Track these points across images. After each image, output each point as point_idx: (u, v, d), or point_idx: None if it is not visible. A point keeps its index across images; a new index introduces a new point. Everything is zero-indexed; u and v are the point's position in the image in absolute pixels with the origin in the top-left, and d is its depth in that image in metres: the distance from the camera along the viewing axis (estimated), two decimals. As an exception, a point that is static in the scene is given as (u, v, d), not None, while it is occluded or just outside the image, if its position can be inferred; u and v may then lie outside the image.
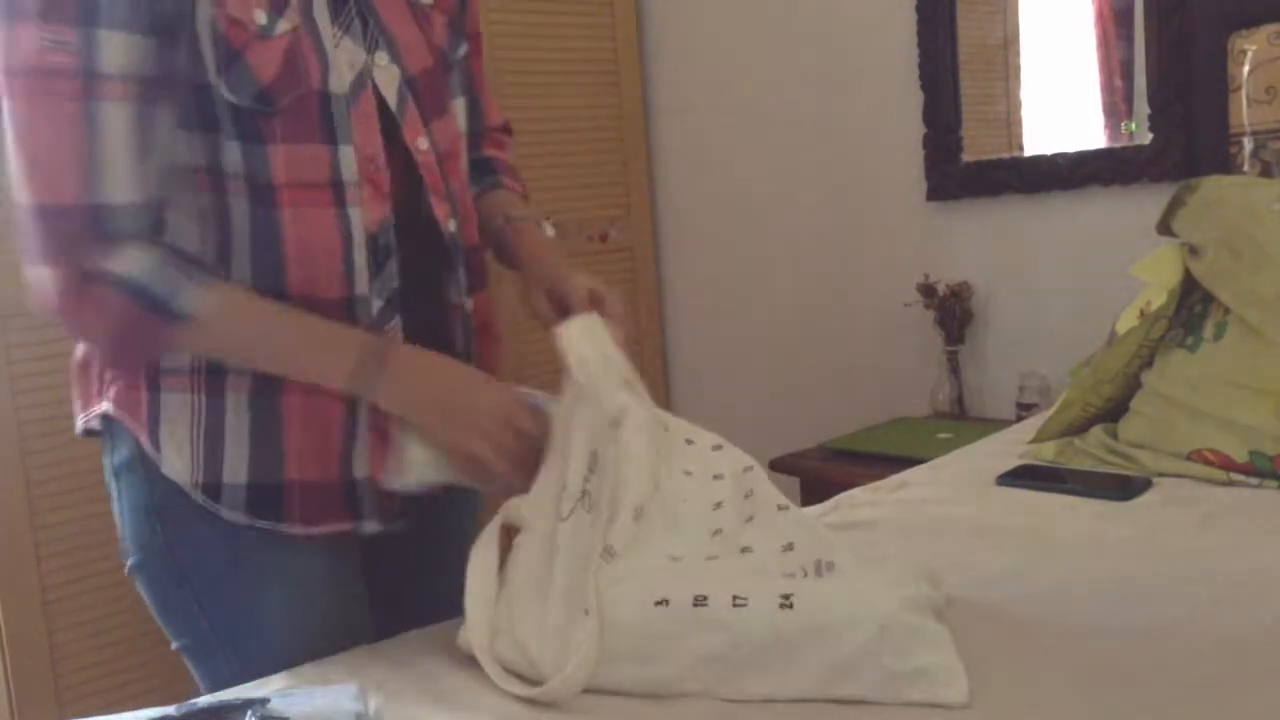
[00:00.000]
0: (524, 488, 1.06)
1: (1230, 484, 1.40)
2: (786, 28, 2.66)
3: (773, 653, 0.92)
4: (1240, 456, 1.40)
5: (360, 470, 1.11)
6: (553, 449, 1.06)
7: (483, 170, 1.34)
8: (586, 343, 1.09)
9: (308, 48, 1.04)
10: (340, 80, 1.06)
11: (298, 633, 1.11)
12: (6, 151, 1.00)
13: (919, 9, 2.37)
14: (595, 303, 1.15)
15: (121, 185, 0.99)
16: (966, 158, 2.36)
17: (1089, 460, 1.53)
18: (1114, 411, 1.59)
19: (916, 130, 2.41)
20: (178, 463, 1.09)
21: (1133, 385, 1.57)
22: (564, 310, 1.16)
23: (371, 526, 1.14)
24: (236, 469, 1.09)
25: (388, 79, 1.11)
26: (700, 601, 0.94)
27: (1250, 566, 1.13)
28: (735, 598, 0.94)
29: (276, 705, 0.89)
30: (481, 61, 1.33)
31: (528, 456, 1.06)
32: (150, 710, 0.91)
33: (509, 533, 1.06)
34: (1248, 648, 0.95)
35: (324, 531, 1.12)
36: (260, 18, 1.01)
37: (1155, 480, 1.43)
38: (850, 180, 2.59)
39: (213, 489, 1.09)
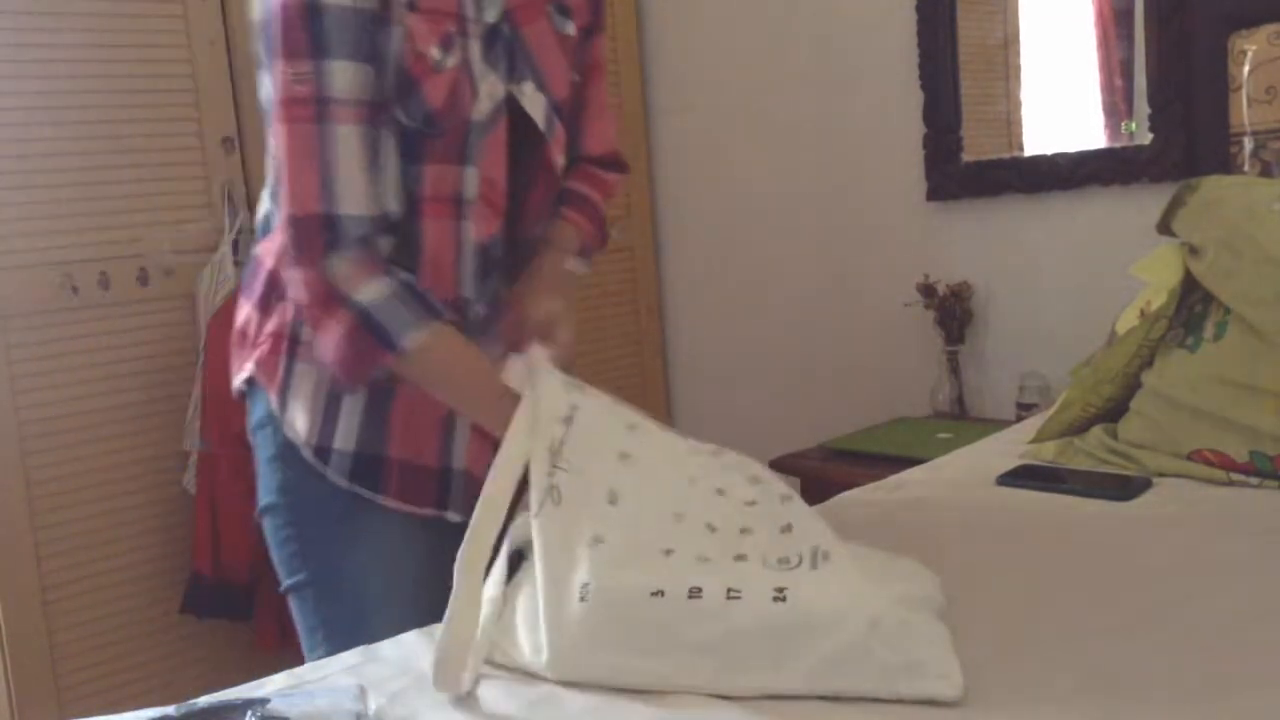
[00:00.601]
0: None
1: (1230, 484, 1.40)
2: (786, 28, 2.66)
3: (765, 646, 0.92)
4: (1240, 456, 1.40)
5: (458, 462, 1.26)
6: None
7: (559, 200, 1.41)
8: (524, 375, 1.16)
9: (464, 81, 1.18)
10: (480, 110, 1.20)
11: (389, 597, 1.22)
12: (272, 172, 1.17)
13: (919, 9, 2.37)
14: (546, 327, 1.25)
15: (353, 197, 1.12)
16: (966, 158, 2.36)
17: (1089, 460, 1.53)
18: (1114, 411, 1.59)
19: (916, 130, 2.41)
20: (299, 423, 1.24)
21: (1133, 385, 1.57)
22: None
23: (454, 516, 1.25)
24: (347, 437, 1.23)
25: (535, 104, 1.24)
26: (695, 593, 0.95)
27: (1250, 566, 1.13)
28: (729, 590, 0.94)
29: (276, 705, 0.90)
30: (602, 89, 1.43)
31: None
32: (150, 710, 0.91)
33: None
34: (1248, 647, 0.95)
35: (414, 511, 1.25)
36: (435, 53, 1.15)
37: (1155, 480, 1.43)
38: (850, 180, 2.59)
39: (324, 452, 1.23)
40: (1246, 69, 1.84)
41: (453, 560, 1.15)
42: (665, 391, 3.00)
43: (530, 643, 0.99)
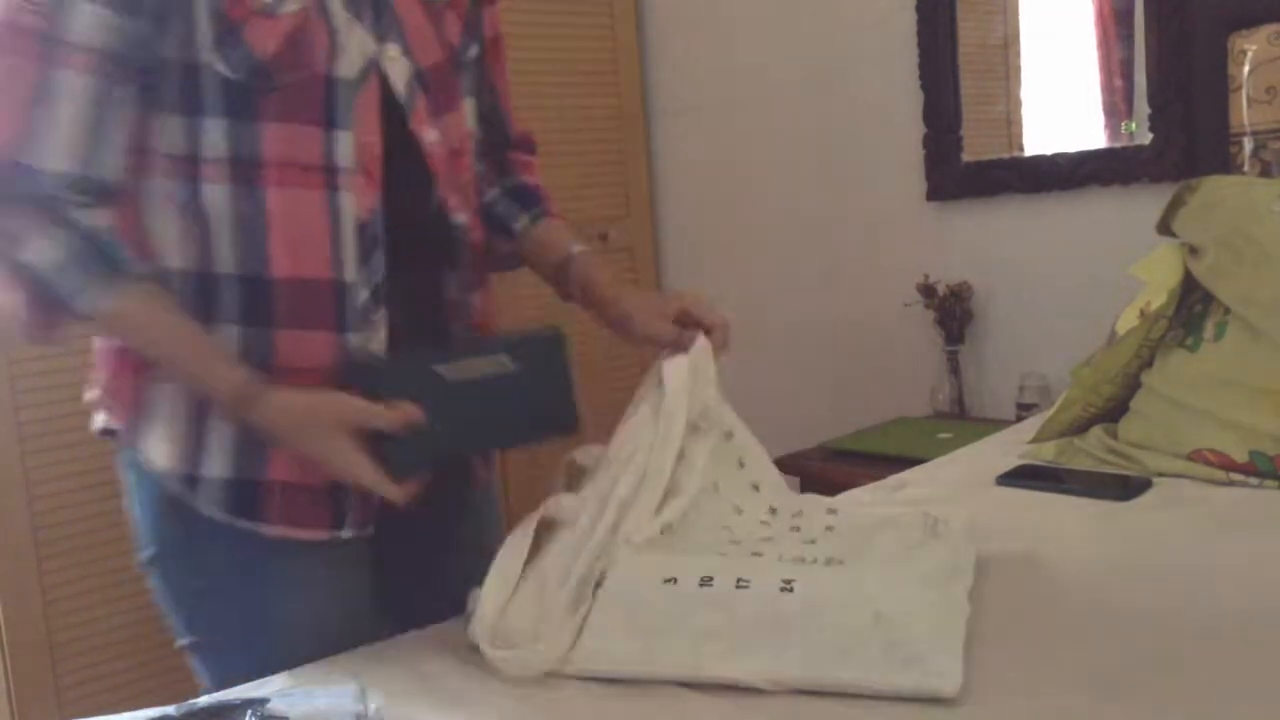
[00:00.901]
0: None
1: (1230, 484, 1.40)
2: (786, 28, 2.66)
3: (768, 633, 0.93)
4: (1240, 456, 1.40)
5: None
6: (609, 461, 1.09)
7: (525, 197, 1.34)
8: (688, 378, 1.13)
9: (317, 30, 1.04)
10: (349, 66, 1.07)
11: (303, 638, 1.09)
12: None
13: (919, 9, 2.37)
14: (720, 328, 1.20)
15: (54, 152, 0.99)
16: (966, 158, 2.36)
17: (1089, 460, 1.53)
18: (1114, 411, 1.59)
19: (916, 130, 2.41)
20: (158, 453, 1.09)
21: (1133, 385, 1.57)
22: (690, 325, 1.19)
23: (348, 533, 1.13)
24: (219, 463, 1.08)
25: (399, 70, 1.12)
26: (706, 582, 0.97)
27: (1250, 566, 1.13)
28: (739, 580, 0.96)
29: (276, 705, 0.89)
30: (504, 66, 1.33)
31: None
32: (150, 710, 0.91)
33: (546, 525, 1.08)
34: (1248, 647, 0.95)
35: (302, 536, 1.11)
36: None
37: (1155, 480, 1.43)
38: (850, 180, 2.59)
39: (192, 481, 1.08)
40: (1246, 69, 1.84)
41: (366, 584, 1.14)
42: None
43: (530, 629, 0.99)
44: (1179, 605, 1.05)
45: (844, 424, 2.45)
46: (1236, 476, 1.40)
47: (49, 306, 1.01)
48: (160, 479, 1.10)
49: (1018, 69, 2.33)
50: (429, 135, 1.14)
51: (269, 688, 1.01)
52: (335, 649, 1.08)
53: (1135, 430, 1.52)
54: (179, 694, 0.99)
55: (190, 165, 1.04)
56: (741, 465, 1.15)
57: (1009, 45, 2.34)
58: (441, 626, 1.11)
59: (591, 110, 2.89)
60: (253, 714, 0.88)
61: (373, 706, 0.93)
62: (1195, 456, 1.44)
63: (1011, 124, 2.37)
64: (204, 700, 0.94)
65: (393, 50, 1.11)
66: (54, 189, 0.99)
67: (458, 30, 1.20)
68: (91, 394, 1.15)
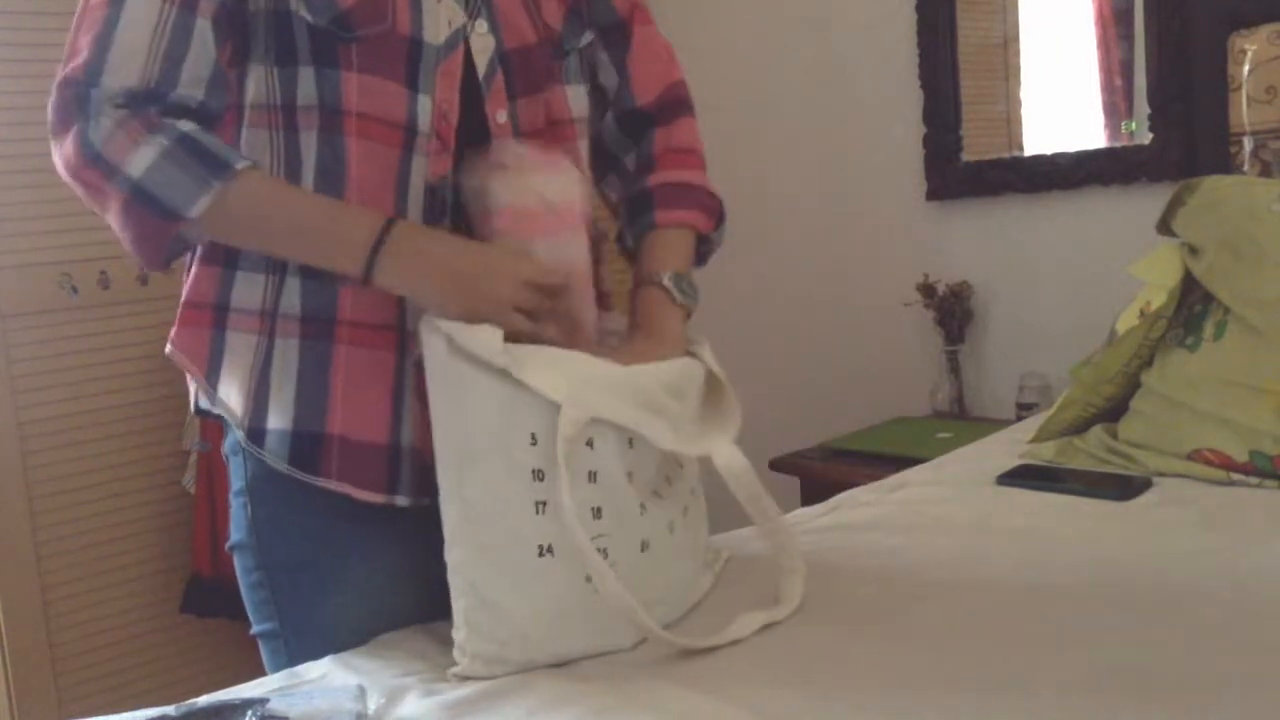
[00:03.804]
0: (564, 340, 1.07)
1: (1230, 484, 1.40)
2: (786, 28, 2.66)
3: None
4: (1240, 456, 1.40)
5: (406, 438, 1.10)
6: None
7: (637, 206, 1.31)
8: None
9: None
10: (435, 32, 1.09)
11: (357, 636, 1.12)
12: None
13: (919, 9, 2.37)
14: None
15: (128, 69, 1.01)
16: (966, 157, 2.36)
17: (1089, 460, 1.53)
18: (1114, 411, 1.59)
19: (916, 130, 2.41)
20: (233, 403, 1.11)
21: (1133, 385, 1.57)
22: None
23: (403, 501, 1.12)
24: (282, 412, 1.09)
25: (482, 47, 1.14)
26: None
27: (1250, 566, 1.13)
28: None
29: (276, 705, 0.90)
30: (637, 33, 1.34)
31: (558, 309, 1.08)
32: (149, 710, 0.91)
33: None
34: (1248, 647, 0.95)
35: (358, 496, 1.10)
36: None
37: (1155, 480, 1.43)
38: (850, 180, 2.59)
39: (258, 434, 1.10)
40: (1246, 69, 1.84)
41: (421, 549, 1.11)
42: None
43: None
44: (1179, 605, 1.05)
45: (844, 424, 2.45)
46: (1237, 476, 1.40)
47: (154, 219, 1.02)
48: (263, 469, 1.11)
49: (1017, 69, 2.33)
50: (499, 116, 1.15)
51: (268, 687, 1.01)
52: (396, 624, 1.12)
53: (1135, 430, 1.52)
54: (179, 694, 1.00)
55: (284, 114, 1.08)
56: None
57: (1009, 45, 2.34)
58: (441, 625, 1.10)
59: (591, 110, 2.89)
60: (252, 714, 0.88)
61: (373, 706, 0.93)
62: (1195, 456, 1.44)
63: (1011, 124, 2.37)
64: (204, 700, 0.94)
65: (481, 26, 1.13)
66: (133, 102, 1.01)
67: (560, 15, 1.21)
68: (169, 353, 1.16)
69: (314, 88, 1.06)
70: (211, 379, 1.12)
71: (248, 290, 1.10)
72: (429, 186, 1.10)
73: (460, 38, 1.11)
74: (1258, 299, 1.44)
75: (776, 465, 2.23)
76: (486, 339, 1.01)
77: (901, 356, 2.51)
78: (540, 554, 1.00)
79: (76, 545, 2.25)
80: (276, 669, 1.12)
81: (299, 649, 1.12)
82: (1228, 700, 0.86)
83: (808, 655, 1.01)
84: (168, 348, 1.15)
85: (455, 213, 1.12)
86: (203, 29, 1.04)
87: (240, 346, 1.11)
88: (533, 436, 1.01)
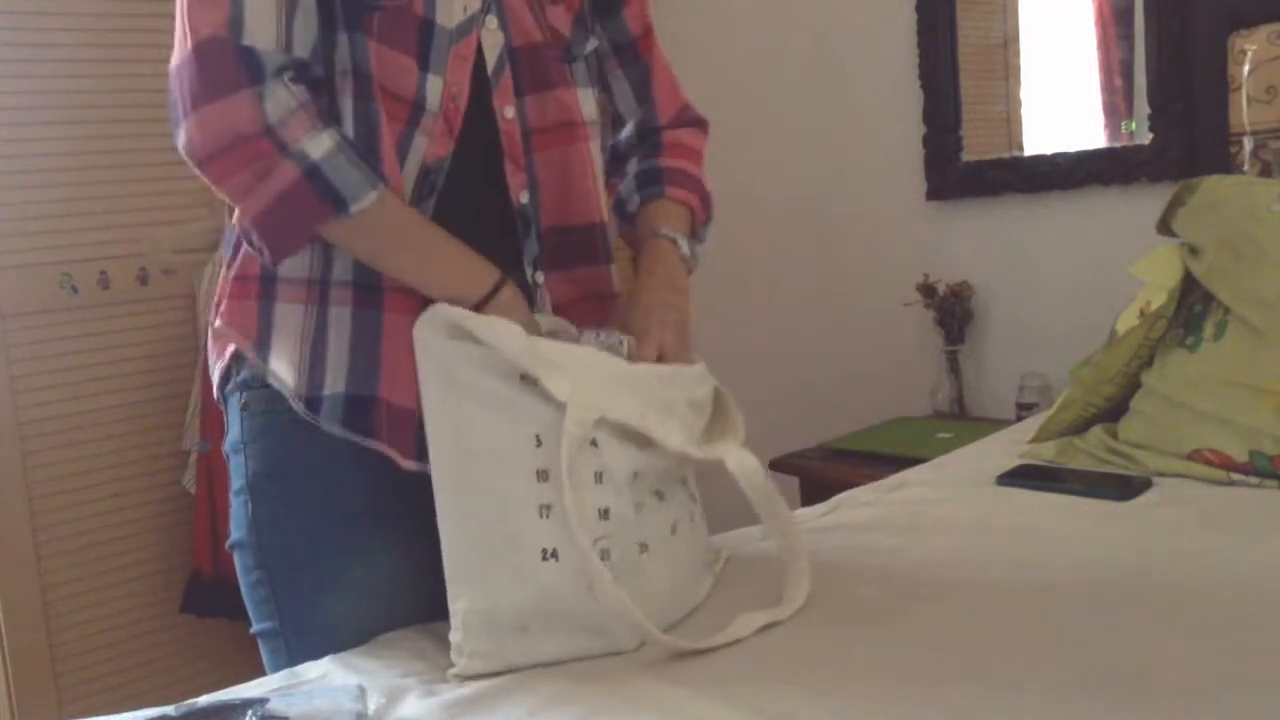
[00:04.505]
0: None
1: (1230, 484, 1.40)
2: (786, 28, 2.66)
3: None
4: (1240, 456, 1.40)
5: None
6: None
7: (648, 178, 1.33)
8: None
9: None
10: (448, 15, 1.10)
11: (361, 632, 1.12)
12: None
13: (919, 9, 2.37)
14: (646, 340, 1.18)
15: (265, 34, 1.02)
16: (966, 158, 2.36)
17: (1089, 460, 1.53)
18: (1114, 411, 1.59)
19: (916, 130, 2.41)
20: (285, 374, 1.11)
21: (1133, 385, 1.57)
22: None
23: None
24: (336, 378, 1.10)
25: (491, 43, 1.15)
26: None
27: (1250, 566, 1.13)
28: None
29: (275, 705, 0.90)
30: (654, 55, 1.37)
31: None
32: (149, 710, 0.91)
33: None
34: (1248, 647, 0.95)
35: (399, 460, 1.11)
36: None
37: (1155, 480, 1.43)
38: (850, 180, 2.59)
39: (315, 402, 1.10)
40: (1246, 69, 1.84)
41: (420, 550, 1.11)
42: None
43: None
44: (1179, 605, 1.05)
45: (844, 424, 2.45)
46: (1237, 476, 1.40)
47: (315, 206, 1.02)
48: (283, 409, 1.11)
49: (1017, 69, 2.33)
50: (506, 111, 1.16)
51: (268, 687, 1.01)
52: (396, 624, 1.12)
53: (1135, 430, 1.52)
54: (179, 694, 1.00)
55: (331, 80, 1.08)
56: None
57: (1009, 45, 2.34)
58: (441, 625, 1.10)
59: (591, 110, 2.89)
60: (252, 714, 0.88)
61: (373, 706, 0.93)
62: (1195, 456, 1.44)
63: (1011, 124, 2.37)
64: (204, 700, 0.94)
65: (491, 22, 1.15)
66: (285, 67, 1.02)
67: (567, 22, 1.23)
68: (216, 327, 1.17)
69: (348, 53, 1.07)
70: (262, 350, 1.12)
71: (295, 260, 1.10)
72: (425, 167, 1.11)
73: (474, 25, 1.13)
74: (1258, 299, 1.44)
75: (776, 465, 2.23)
76: (508, 332, 1.01)
77: (901, 356, 2.51)
78: (544, 558, 1.00)
79: (76, 545, 2.25)
80: (276, 668, 1.13)
81: (299, 648, 1.12)
82: (1228, 700, 0.86)
83: (808, 655, 1.01)
84: (216, 322, 1.16)
85: (440, 201, 1.13)
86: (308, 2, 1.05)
87: (290, 316, 1.12)
88: (537, 438, 1.01)
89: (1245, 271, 1.46)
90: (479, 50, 1.14)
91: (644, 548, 1.05)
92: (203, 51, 1.00)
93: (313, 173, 1.01)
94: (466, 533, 1.02)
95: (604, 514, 1.02)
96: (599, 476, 1.02)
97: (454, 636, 1.02)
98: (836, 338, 2.65)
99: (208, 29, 1.00)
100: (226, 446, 1.17)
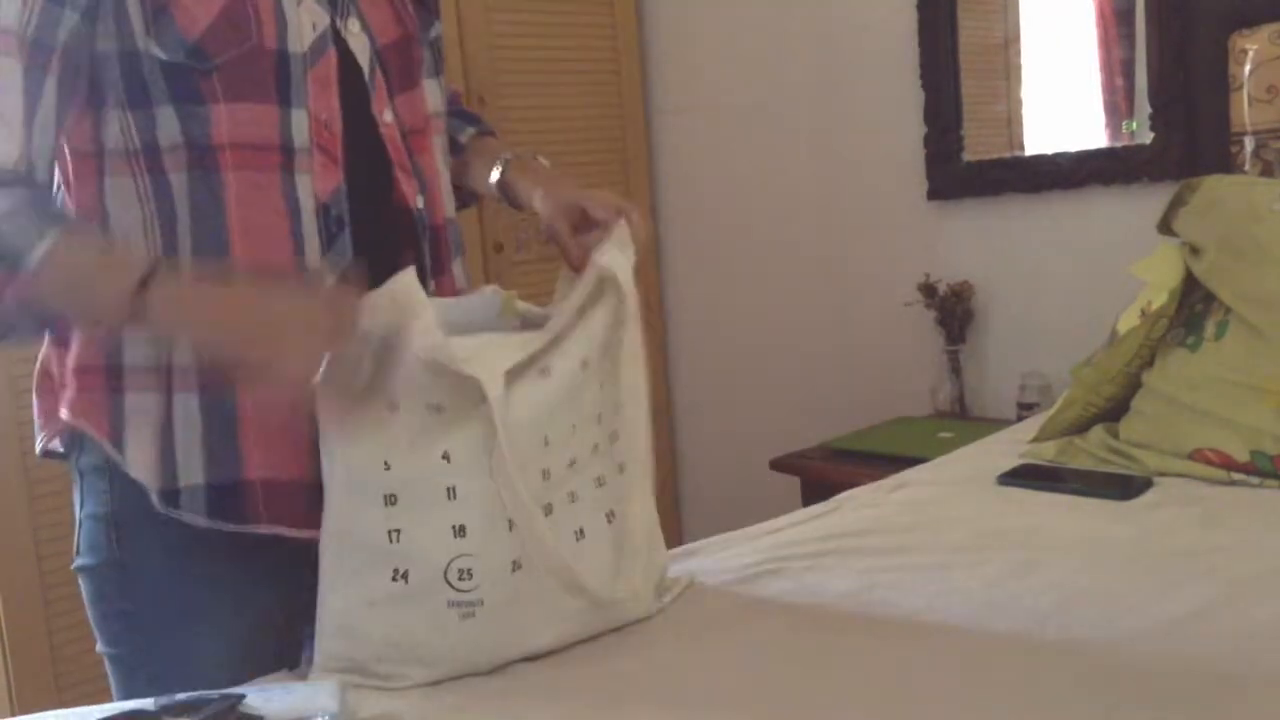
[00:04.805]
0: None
1: (1231, 483, 1.40)
2: (786, 28, 2.65)
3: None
4: (1241, 456, 1.40)
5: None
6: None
7: (468, 117, 1.33)
8: (625, 262, 1.09)
9: (262, 4, 1.01)
10: (298, 40, 1.03)
11: (220, 672, 1.05)
12: None
13: (919, 9, 2.36)
14: (621, 216, 1.12)
15: (6, 148, 0.96)
16: (967, 157, 2.36)
17: (1090, 460, 1.52)
18: (1115, 411, 1.59)
19: (917, 130, 2.41)
20: (141, 466, 1.05)
21: (1134, 385, 1.56)
22: (583, 227, 1.13)
23: None
24: (190, 470, 1.04)
25: (360, 46, 1.10)
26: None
27: (1251, 566, 1.13)
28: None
29: (252, 701, 0.89)
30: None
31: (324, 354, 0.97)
32: (127, 703, 0.91)
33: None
34: (1249, 647, 0.95)
35: (289, 534, 1.06)
36: None
37: (1156, 480, 1.43)
38: (850, 180, 2.59)
39: (171, 495, 1.04)
40: (1247, 68, 1.84)
41: (292, 589, 1.07)
42: (666, 391, 2.99)
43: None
44: (1180, 606, 1.05)
45: (844, 424, 2.45)
46: (1238, 476, 1.40)
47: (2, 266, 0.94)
48: (132, 498, 1.06)
49: (1018, 68, 2.33)
50: (385, 116, 1.12)
51: (245, 684, 1.00)
52: (258, 667, 1.05)
53: (1136, 430, 1.52)
54: (178, 694, 0.99)
55: (146, 157, 1.02)
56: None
57: (1009, 45, 2.34)
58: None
59: (592, 110, 2.89)
60: (229, 709, 0.88)
61: (350, 703, 0.93)
62: (1196, 456, 1.44)
63: (1012, 123, 2.37)
64: (182, 695, 0.93)
65: (354, 25, 1.09)
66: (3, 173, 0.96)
67: (413, 9, 1.17)
68: (52, 423, 1.11)
69: (177, 126, 1.00)
70: (117, 444, 1.05)
71: (140, 347, 1.04)
72: (321, 205, 1.05)
73: (327, 42, 1.06)
74: (1259, 299, 1.43)
75: (776, 465, 2.23)
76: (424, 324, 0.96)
77: (902, 356, 2.51)
78: (394, 578, 0.97)
79: (77, 545, 2.25)
80: (124, 694, 1.09)
81: (155, 682, 1.06)
82: (1228, 700, 0.86)
83: (805, 655, 1.01)
84: (63, 412, 1.08)
85: (356, 230, 1.07)
86: (54, 90, 0.97)
87: (142, 408, 1.04)
88: (385, 464, 0.97)
89: (1246, 271, 1.46)
90: (350, 60, 1.08)
91: (517, 565, 0.99)
92: None
93: None
94: (331, 559, 1.00)
95: (459, 530, 0.98)
96: (451, 492, 0.98)
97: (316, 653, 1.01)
98: (837, 337, 2.65)
99: None
100: (81, 465, 1.10)
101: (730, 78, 2.79)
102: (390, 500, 0.97)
